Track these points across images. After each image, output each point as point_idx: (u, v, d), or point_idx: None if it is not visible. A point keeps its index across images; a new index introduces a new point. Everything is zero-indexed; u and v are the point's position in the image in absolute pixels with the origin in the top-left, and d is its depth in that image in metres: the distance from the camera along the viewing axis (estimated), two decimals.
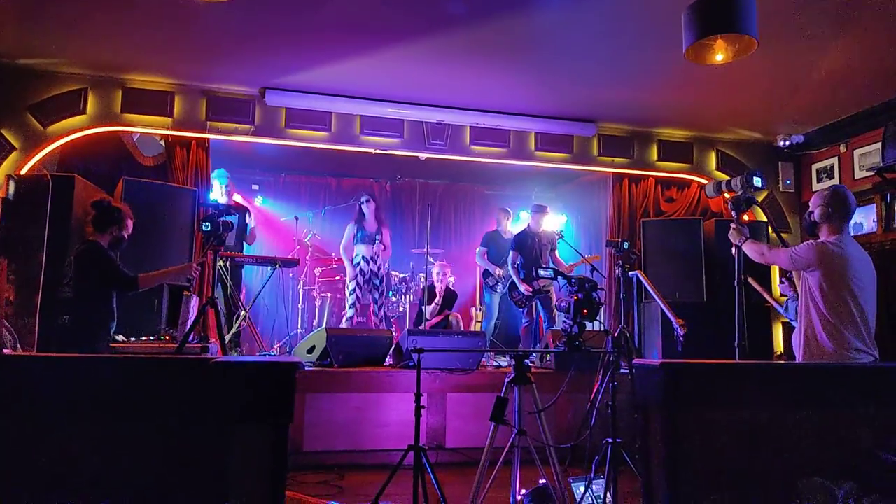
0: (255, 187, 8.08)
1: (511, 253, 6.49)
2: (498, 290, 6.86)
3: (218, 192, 6.12)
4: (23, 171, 5.46)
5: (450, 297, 7.19)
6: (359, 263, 6.41)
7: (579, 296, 3.54)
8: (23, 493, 2.10)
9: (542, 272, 6.03)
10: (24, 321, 4.53)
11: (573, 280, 3.60)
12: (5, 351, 3.59)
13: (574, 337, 3.48)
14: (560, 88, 6.04)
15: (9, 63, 5.50)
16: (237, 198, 6.62)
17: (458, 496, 3.30)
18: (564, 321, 3.56)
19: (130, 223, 4.17)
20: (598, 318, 3.67)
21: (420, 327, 6.67)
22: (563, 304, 6.01)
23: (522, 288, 6.29)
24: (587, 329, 3.66)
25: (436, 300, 7.02)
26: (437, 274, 7.16)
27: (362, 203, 6.54)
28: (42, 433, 2.15)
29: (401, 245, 7.80)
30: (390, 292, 7.22)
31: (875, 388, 2.80)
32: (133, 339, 4.70)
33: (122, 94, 5.92)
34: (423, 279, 7.36)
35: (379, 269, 6.48)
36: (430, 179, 8.77)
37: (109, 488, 2.15)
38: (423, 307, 6.80)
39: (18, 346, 4.13)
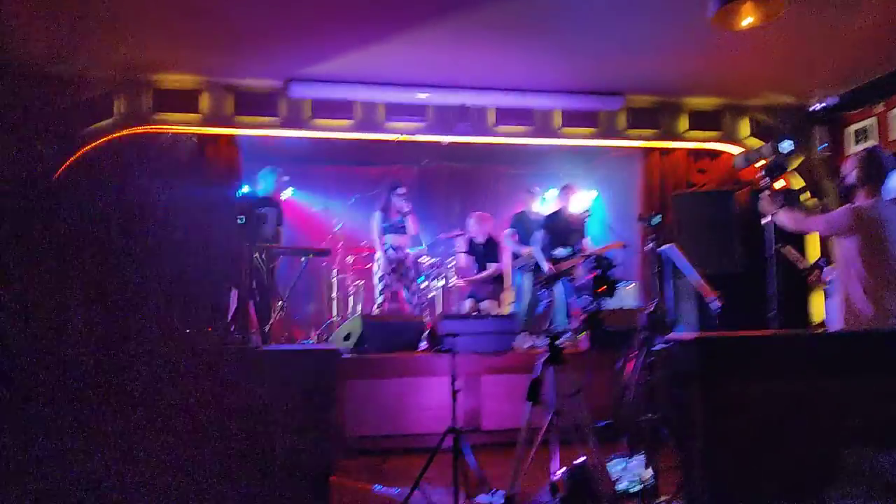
0: (286, 178, 8.17)
1: (537, 232, 6.47)
2: (527, 271, 6.84)
3: (264, 187, 6.19)
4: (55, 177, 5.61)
5: (493, 245, 6.87)
6: (387, 251, 6.42)
7: (597, 272, 3.54)
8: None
9: (559, 251, 6.04)
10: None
11: (590, 258, 3.60)
12: None
13: (593, 315, 3.49)
14: (584, 62, 5.95)
15: (38, 70, 5.63)
16: (287, 192, 6.72)
17: (498, 476, 3.34)
18: (584, 299, 3.57)
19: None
20: (614, 294, 3.66)
21: (455, 311, 6.72)
22: (581, 283, 6.01)
23: (545, 267, 6.28)
24: (623, 307, 3.66)
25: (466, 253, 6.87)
26: (474, 225, 6.86)
27: (393, 193, 6.48)
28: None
29: (428, 230, 7.81)
30: (420, 278, 7.25)
31: None
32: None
33: (151, 94, 6.00)
34: (451, 263, 7.39)
35: (406, 257, 6.50)
36: (456, 162, 8.74)
37: (154, 472, 2.24)
38: (461, 259, 6.79)
39: None
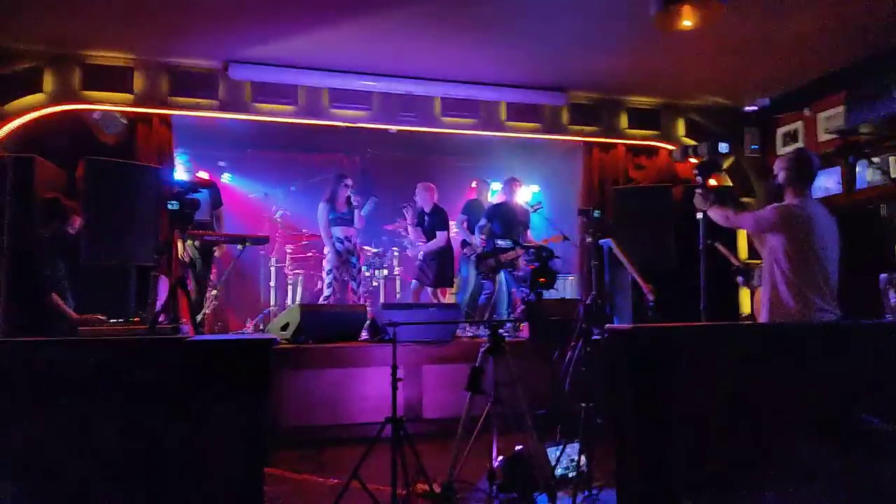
0: (222, 164, 7.93)
1: (483, 220, 6.52)
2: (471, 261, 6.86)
3: (181, 172, 5.99)
4: None
5: (440, 213, 6.81)
6: (335, 244, 6.31)
7: (535, 265, 3.58)
8: None
9: (500, 243, 6.08)
10: None
11: (530, 250, 3.64)
12: None
13: (532, 305, 3.53)
14: (530, 57, 6.00)
15: None
16: (203, 175, 6.48)
17: (438, 466, 3.34)
18: (523, 290, 3.61)
19: (77, 220, 4.32)
20: (553, 285, 3.71)
21: (394, 301, 6.65)
22: (520, 274, 6.09)
23: (474, 241, 6.38)
24: (562, 298, 3.71)
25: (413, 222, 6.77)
26: (420, 193, 6.75)
27: (340, 184, 6.33)
28: (10, 419, 2.11)
29: (373, 220, 7.73)
30: (364, 267, 7.18)
31: (842, 346, 2.88)
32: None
33: (81, 70, 5.73)
34: (395, 253, 7.34)
35: (354, 247, 6.41)
36: (402, 153, 8.68)
37: (82, 470, 2.13)
38: (410, 231, 6.71)
39: None
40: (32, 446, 2.11)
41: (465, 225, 6.89)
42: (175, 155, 6.02)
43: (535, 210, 6.38)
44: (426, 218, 6.71)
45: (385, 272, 7.29)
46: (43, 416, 2.14)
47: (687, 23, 3.85)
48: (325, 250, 6.38)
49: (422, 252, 6.72)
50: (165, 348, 2.37)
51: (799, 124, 6.98)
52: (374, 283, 7.29)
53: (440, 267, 6.64)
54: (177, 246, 5.64)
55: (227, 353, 2.33)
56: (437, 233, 6.61)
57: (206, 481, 2.24)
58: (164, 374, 2.25)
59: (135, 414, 2.20)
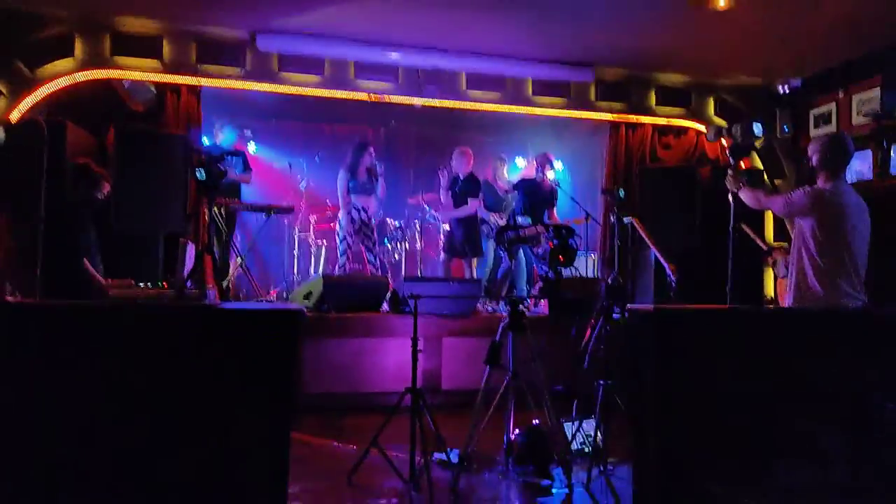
0: (248, 133, 7.97)
1: (517, 195, 6.46)
2: (492, 237, 6.85)
3: (222, 139, 6.03)
4: (12, 117, 5.37)
5: (474, 181, 6.58)
6: (350, 212, 6.32)
7: (555, 242, 3.58)
8: (22, 441, 2.14)
9: (519, 220, 6.06)
10: (27, 272, 4.54)
11: (550, 227, 3.63)
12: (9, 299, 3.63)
13: (550, 282, 3.54)
14: (556, 31, 5.91)
15: None
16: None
17: (455, 437, 3.39)
18: (543, 267, 3.61)
19: (106, 186, 4.40)
20: (572, 263, 3.71)
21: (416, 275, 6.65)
22: (540, 251, 6.07)
23: (491, 218, 6.34)
24: (581, 277, 3.70)
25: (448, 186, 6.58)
26: (457, 158, 6.54)
27: (363, 153, 6.29)
28: (45, 381, 2.18)
29: (396, 193, 7.75)
30: (385, 239, 7.21)
31: (866, 333, 2.85)
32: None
33: (111, 37, 5.77)
34: (417, 227, 7.36)
35: (370, 219, 6.41)
36: (426, 126, 8.66)
37: (112, 435, 2.20)
38: (441, 195, 6.63)
39: (18, 296, 4.18)
40: (60, 408, 2.17)
41: (482, 205, 6.84)
42: (219, 126, 6.05)
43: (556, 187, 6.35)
44: (459, 184, 6.57)
45: (407, 245, 7.32)
46: (71, 379, 2.19)
47: (721, 1, 3.76)
48: (339, 215, 6.36)
49: (449, 219, 6.66)
50: (197, 315, 2.43)
51: (832, 106, 6.81)
52: (396, 256, 7.33)
53: (468, 234, 6.50)
54: (204, 213, 5.73)
55: (257, 321, 2.37)
56: (469, 200, 6.47)
57: (237, 440, 2.29)
58: (195, 341, 2.30)
59: (166, 378, 2.26)
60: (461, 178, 6.54)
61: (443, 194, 6.67)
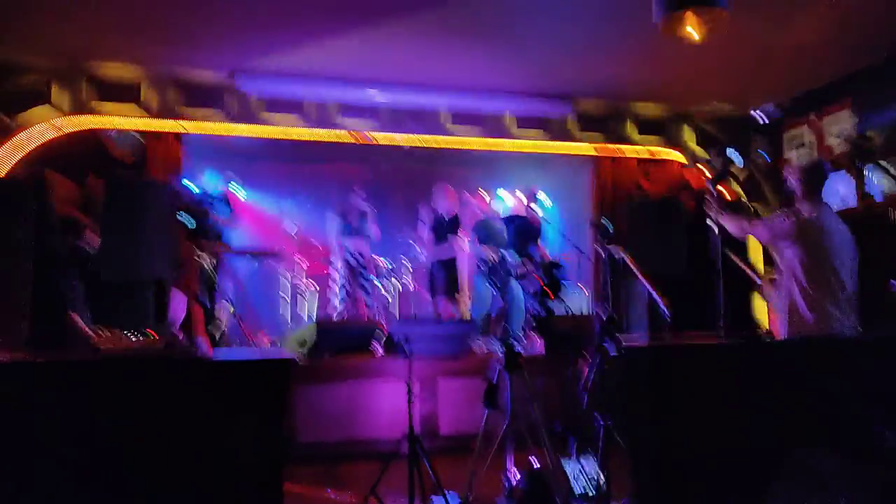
0: (232, 177, 7.96)
1: (502, 228, 6.51)
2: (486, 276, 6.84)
3: (213, 188, 6.02)
4: None
5: (456, 221, 6.55)
6: (344, 258, 6.31)
7: (544, 280, 3.59)
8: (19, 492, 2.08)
9: (507, 258, 6.07)
10: (14, 326, 4.45)
11: (537, 264, 3.64)
12: None
13: (542, 321, 3.54)
14: (535, 65, 6.02)
15: None
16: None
17: (454, 481, 3.34)
18: (534, 305, 3.61)
19: (92, 236, 4.40)
20: (560, 298, 3.71)
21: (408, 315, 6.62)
22: (531, 289, 6.07)
23: (488, 254, 6.30)
24: (577, 312, 3.70)
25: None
26: (438, 196, 6.50)
27: (351, 196, 6.36)
28: (39, 434, 2.13)
29: (383, 232, 7.74)
30: (375, 279, 7.18)
31: (857, 360, 2.88)
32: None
33: (88, 83, 5.80)
34: (406, 263, 7.34)
35: (365, 260, 6.39)
36: (411, 164, 8.70)
37: (106, 487, 2.15)
38: (424, 235, 6.62)
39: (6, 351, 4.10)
40: (54, 462, 2.13)
41: (476, 242, 6.84)
42: (208, 172, 6.05)
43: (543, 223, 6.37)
44: (443, 223, 6.59)
45: (398, 285, 7.30)
46: (64, 434, 2.15)
47: (690, 29, 3.84)
48: (333, 261, 6.35)
49: (430, 258, 6.66)
50: (187, 368, 2.40)
51: (806, 130, 6.97)
52: (389, 298, 7.30)
53: (449, 273, 6.52)
54: (192, 260, 5.68)
55: (248, 371, 2.35)
56: (449, 237, 6.49)
57: (227, 496, 2.25)
58: (186, 393, 2.27)
59: (157, 431, 2.22)
60: (446, 218, 6.57)
61: (424, 231, 6.69)
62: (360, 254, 6.31)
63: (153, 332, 4.71)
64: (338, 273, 6.35)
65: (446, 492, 3.26)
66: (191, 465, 2.24)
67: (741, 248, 5.85)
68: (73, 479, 2.12)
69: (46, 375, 2.25)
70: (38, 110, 5.64)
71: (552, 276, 3.78)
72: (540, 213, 6.62)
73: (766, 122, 7.20)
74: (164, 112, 6.00)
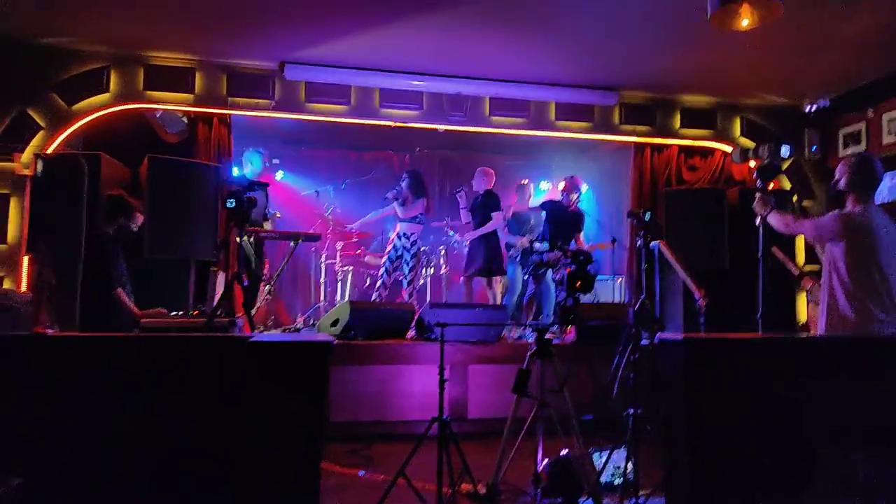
0: (276, 161, 8.12)
1: (541, 213, 6.49)
2: (518, 262, 6.84)
3: (251, 169, 6.15)
4: (49, 150, 5.56)
5: (492, 196, 6.55)
6: (394, 241, 6.43)
7: (572, 268, 3.55)
8: (60, 471, 2.19)
9: (537, 245, 6.04)
10: (66, 303, 4.66)
11: (567, 253, 3.60)
12: (48, 331, 3.72)
13: (569, 309, 3.51)
14: (580, 56, 5.95)
15: (31, 42, 5.55)
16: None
17: (482, 466, 3.37)
18: (560, 294, 3.58)
19: (140, 217, 4.54)
20: (591, 289, 3.67)
21: (441, 300, 6.65)
22: (557, 277, 6.03)
23: (517, 242, 6.35)
24: (610, 302, 3.67)
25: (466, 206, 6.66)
26: (477, 177, 6.62)
27: (403, 183, 6.49)
28: (82, 410, 2.23)
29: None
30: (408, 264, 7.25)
31: None
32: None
33: (144, 71, 5.97)
34: (442, 252, 7.38)
35: (413, 245, 6.47)
36: (450, 150, 8.73)
37: (147, 462, 2.24)
38: (462, 215, 6.70)
39: (56, 328, 4.28)
40: (98, 436, 2.22)
41: (506, 230, 6.83)
42: (248, 152, 6.19)
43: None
44: (479, 199, 6.60)
45: (432, 270, 7.35)
46: (107, 409, 2.24)
47: (745, 22, 3.75)
48: (388, 247, 6.53)
49: (469, 238, 6.67)
50: (230, 347, 2.47)
51: (862, 125, 6.72)
52: (421, 281, 7.36)
53: (489, 251, 6.46)
54: (234, 242, 5.83)
55: (288, 353, 2.40)
56: (493, 215, 6.45)
57: (267, 473, 2.31)
58: (227, 372, 2.34)
59: (198, 409, 2.29)
60: (480, 194, 6.57)
61: (463, 214, 6.71)
62: (408, 236, 6.39)
63: (195, 311, 4.88)
64: (385, 256, 6.43)
65: (474, 476, 3.29)
66: (228, 443, 2.29)
67: (785, 243, 5.72)
68: (114, 454, 2.20)
69: (92, 350, 2.34)
70: (96, 98, 5.82)
71: (583, 268, 3.72)
72: (578, 201, 6.52)
73: (819, 115, 6.96)
74: (214, 100, 6.14)
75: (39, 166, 5.03)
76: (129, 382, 2.25)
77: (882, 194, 3.45)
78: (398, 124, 6.54)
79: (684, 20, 4.94)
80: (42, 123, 5.63)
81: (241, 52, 5.97)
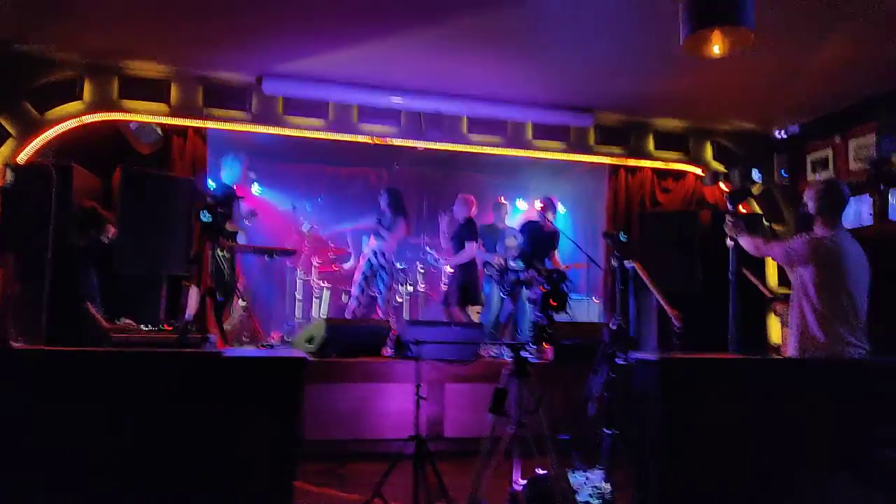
0: (252, 175, 8.04)
1: (518, 235, 6.51)
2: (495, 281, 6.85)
3: (230, 176, 6.07)
4: (19, 159, 5.43)
5: (471, 225, 6.56)
6: (368, 257, 6.39)
7: (546, 287, 3.57)
8: (24, 486, 2.12)
9: (511, 263, 6.08)
10: (32, 316, 4.53)
11: (541, 272, 3.63)
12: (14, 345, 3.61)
13: (542, 328, 3.52)
14: (557, 77, 6.05)
15: (3, 49, 5.44)
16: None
17: (459, 486, 3.34)
18: (535, 313, 3.60)
19: (112, 229, 4.46)
20: (565, 308, 3.70)
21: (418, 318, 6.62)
22: (532, 296, 6.04)
23: (494, 260, 6.40)
24: (587, 321, 3.70)
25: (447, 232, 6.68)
26: (458, 204, 6.59)
27: (381, 202, 6.48)
28: (50, 424, 2.17)
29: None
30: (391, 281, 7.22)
31: (868, 382, 2.86)
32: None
33: (119, 81, 5.89)
34: (420, 269, 7.36)
35: (388, 263, 6.44)
36: (428, 168, 8.74)
37: (118, 479, 2.18)
38: (442, 240, 6.73)
39: (22, 340, 4.16)
40: (66, 453, 2.16)
41: (481, 248, 6.85)
42: (228, 159, 6.11)
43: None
44: (457, 229, 6.63)
45: (410, 288, 7.32)
46: (78, 424, 2.18)
47: (717, 48, 3.85)
48: (361, 263, 6.47)
49: (452, 264, 6.68)
50: (203, 362, 2.43)
51: (829, 151, 6.91)
52: (399, 299, 7.33)
53: (465, 283, 6.51)
54: (207, 256, 5.74)
55: (261, 369, 2.37)
56: (466, 243, 6.48)
57: (239, 491, 2.27)
58: (200, 388, 2.30)
59: (169, 425, 2.25)
60: (460, 223, 6.60)
61: (443, 239, 6.72)
62: (383, 254, 6.36)
63: (166, 325, 4.78)
64: (359, 273, 6.39)
65: (450, 495, 3.27)
66: (201, 459, 2.26)
67: (756, 265, 5.83)
68: (82, 470, 2.15)
69: (59, 365, 2.28)
70: (69, 106, 5.72)
71: (556, 285, 3.76)
72: (554, 221, 6.59)
73: (789, 141, 7.14)
74: (191, 111, 6.08)
75: (9, 176, 4.91)
76: (98, 397, 2.20)
77: (847, 218, 3.54)
78: (376, 140, 6.55)
79: (658, 46, 5.06)
80: (12, 131, 5.51)
81: (218, 64, 5.93)
